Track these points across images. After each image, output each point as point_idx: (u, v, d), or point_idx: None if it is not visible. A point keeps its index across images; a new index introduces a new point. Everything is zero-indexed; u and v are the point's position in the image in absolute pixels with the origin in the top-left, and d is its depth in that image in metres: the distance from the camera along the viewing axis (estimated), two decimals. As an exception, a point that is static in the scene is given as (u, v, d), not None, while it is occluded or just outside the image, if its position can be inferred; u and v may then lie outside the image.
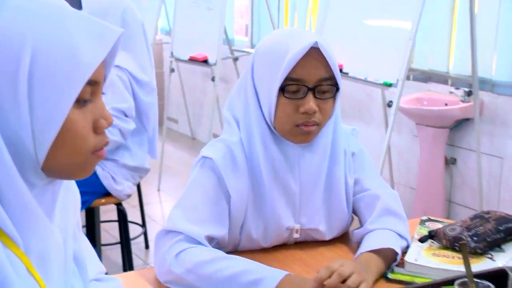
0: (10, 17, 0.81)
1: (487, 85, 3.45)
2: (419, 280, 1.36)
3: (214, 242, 1.43)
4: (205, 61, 4.26)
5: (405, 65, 2.99)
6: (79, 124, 0.86)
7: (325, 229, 1.55)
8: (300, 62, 1.36)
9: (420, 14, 2.98)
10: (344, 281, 1.24)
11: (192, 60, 4.36)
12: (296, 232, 1.52)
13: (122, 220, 2.89)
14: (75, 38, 0.83)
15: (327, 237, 1.57)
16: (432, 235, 1.54)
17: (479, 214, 1.60)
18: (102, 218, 3.00)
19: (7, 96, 0.81)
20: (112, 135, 2.44)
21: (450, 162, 3.71)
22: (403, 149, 4.06)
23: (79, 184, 1.04)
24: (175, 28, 4.64)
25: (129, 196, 2.71)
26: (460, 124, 3.61)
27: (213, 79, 4.27)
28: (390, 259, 1.42)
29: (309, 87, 1.38)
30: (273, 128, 1.44)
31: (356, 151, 1.58)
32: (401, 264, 1.42)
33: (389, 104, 3.10)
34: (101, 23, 0.87)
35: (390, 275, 1.40)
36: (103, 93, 0.92)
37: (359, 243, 1.50)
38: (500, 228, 1.51)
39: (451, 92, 3.66)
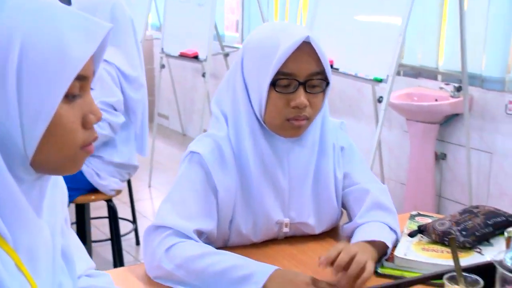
0: (-2, 12, 0.81)
1: (477, 80, 3.46)
2: (409, 275, 1.37)
3: (204, 236, 1.43)
4: (195, 57, 4.26)
5: (395, 61, 3.00)
6: (68, 119, 0.86)
7: (315, 223, 1.55)
8: (292, 57, 1.36)
9: (410, 10, 2.99)
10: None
11: (183, 56, 4.36)
12: (286, 226, 1.52)
13: (112, 216, 2.88)
14: (64, 33, 0.83)
15: (317, 231, 1.57)
16: (421, 230, 1.55)
17: (468, 209, 1.61)
18: (93, 214, 2.99)
19: (-5, 91, 0.81)
20: (101, 129, 2.43)
21: (440, 157, 3.73)
22: (394, 145, 4.07)
23: (64, 179, 1.04)
24: (165, 24, 4.63)
25: (116, 191, 2.70)
26: (450, 120, 3.63)
27: (203, 75, 4.26)
28: (381, 252, 1.42)
29: (300, 81, 1.38)
30: (262, 122, 1.44)
31: (345, 145, 1.59)
32: (391, 258, 1.43)
33: (380, 100, 3.11)
34: (90, 18, 0.87)
35: (379, 270, 1.40)
36: (91, 89, 0.92)
37: (349, 238, 1.51)
38: (489, 222, 1.52)
39: (441, 88, 3.67)
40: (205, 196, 1.42)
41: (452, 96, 3.53)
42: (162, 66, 4.72)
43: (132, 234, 3.65)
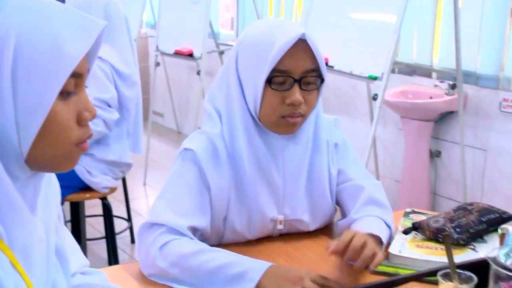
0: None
1: (472, 78, 3.47)
2: (403, 272, 1.37)
3: (198, 233, 1.43)
4: (190, 55, 4.25)
5: (390, 59, 3.01)
6: (63, 116, 0.86)
7: (309, 220, 1.55)
8: (287, 54, 1.36)
9: (405, 7, 2.99)
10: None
11: (178, 54, 4.35)
12: (280, 223, 1.53)
13: (107, 214, 2.88)
14: (60, 31, 0.84)
15: (311, 228, 1.57)
16: (415, 227, 1.55)
17: (462, 206, 1.61)
18: (88, 212, 2.99)
19: (-10, 88, 0.80)
20: (96, 125, 2.42)
21: (434, 154, 3.74)
22: (388, 142, 4.08)
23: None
24: (160, 22, 4.62)
25: (110, 189, 2.69)
26: (444, 117, 3.64)
27: (198, 73, 4.25)
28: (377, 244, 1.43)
29: (295, 78, 1.38)
30: (257, 120, 1.44)
31: (339, 142, 1.59)
32: (385, 256, 1.43)
33: (374, 97, 3.11)
34: (85, 16, 0.87)
35: (374, 267, 1.40)
36: (86, 87, 0.92)
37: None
38: (483, 219, 1.53)
39: (435, 85, 3.68)
40: (199, 192, 1.42)
41: (446, 94, 3.54)
42: (157, 64, 4.71)
43: (127, 232, 3.65)
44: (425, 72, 3.80)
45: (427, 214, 1.68)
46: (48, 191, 0.98)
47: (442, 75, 3.68)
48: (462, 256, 1.41)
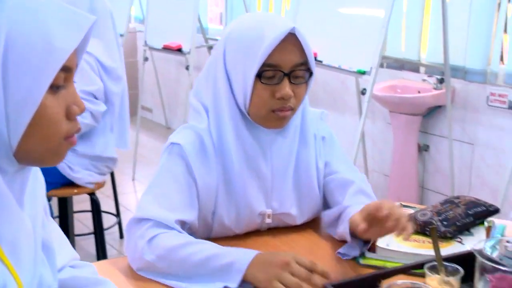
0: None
1: (460, 72, 3.49)
2: (391, 265, 1.38)
3: (187, 227, 1.43)
4: (179, 50, 4.24)
5: (379, 53, 3.02)
6: (53, 110, 0.86)
7: (297, 213, 1.56)
8: (277, 48, 1.35)
9: (393, 2, 3.00)
10: None
11: (166, 48, 4.34)
12: (268, 217, 1.53)
13: (96, 210, 2.87)
14: (49, 25, 0.84)
15: (298, 221, 1.57)
16: (403, 220, 1.56)
17: (449, 199, 1.62)
18: (76, 208, 2.98)
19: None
20: (83, 118, 2.40)
21: (423, 149, 3.76)
22: (377, 137, 4.09)
23: None
24: (148, 17, 4.60)
25: (95, 184, 2.68)
26: (432, 112, 3.66)
27: (187, 68, 4.25)
28: None
29: (285, 72, 1.38)
30: (246, 114, 1.44)
31: (326, 135, 1.59)
32: (373, 249, 1.44)
33: (363, 92, 3.12)
34: (74, 10, 0.88)
35: (361, 261, 1.41)
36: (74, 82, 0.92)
37: (329, 226, 1.52)
38: (469, 212, 1.54)
39: (424, 80, 3.69)
40: (186, 186, 1.42)
41: (434, 88, 3.56)
42: (146, 59, 4.70)
43: (116, 228, 3.64)
44: (413, 66, 3.81)
45: (415, 208, 1.68)
46: (35, 185, 0.98)
47: (430, 70, 3.69)
48: (449, 249, 1.42)
